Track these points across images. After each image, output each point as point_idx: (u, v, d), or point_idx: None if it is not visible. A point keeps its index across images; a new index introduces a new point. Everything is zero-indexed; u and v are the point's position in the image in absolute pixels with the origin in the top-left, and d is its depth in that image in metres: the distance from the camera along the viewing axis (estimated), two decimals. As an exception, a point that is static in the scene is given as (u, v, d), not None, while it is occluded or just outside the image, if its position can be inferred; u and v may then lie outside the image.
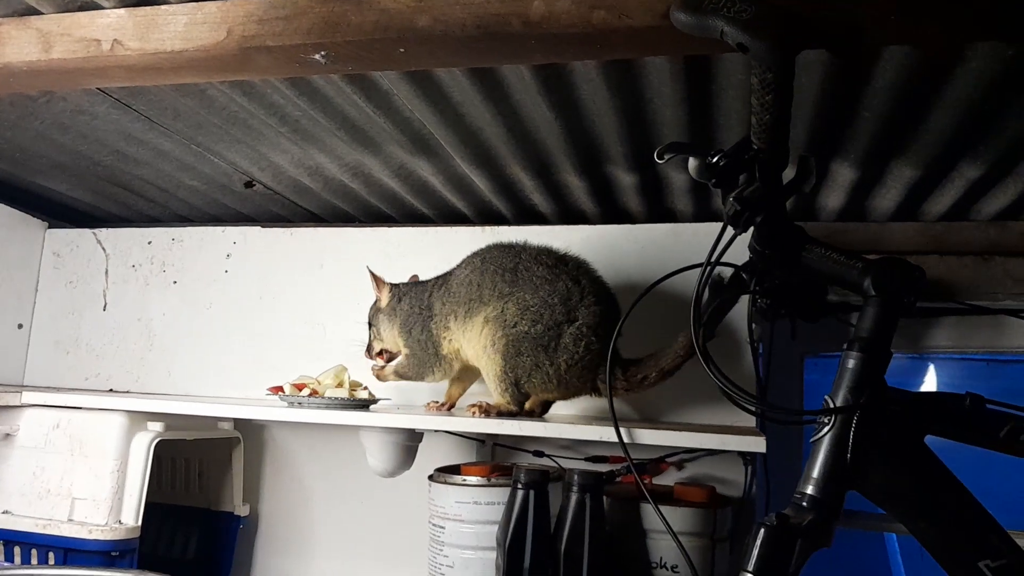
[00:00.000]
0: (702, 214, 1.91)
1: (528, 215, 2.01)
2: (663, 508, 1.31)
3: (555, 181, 1.78)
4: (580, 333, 1.43)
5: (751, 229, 1.06)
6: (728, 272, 1.17)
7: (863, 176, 1.61)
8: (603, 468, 1.60)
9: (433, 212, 2.05)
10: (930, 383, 2.35)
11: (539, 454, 1.70)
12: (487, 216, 2.04)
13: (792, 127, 1.43)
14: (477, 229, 1.92)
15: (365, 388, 1.59)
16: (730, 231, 1.05)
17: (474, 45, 1.11)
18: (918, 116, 1.34)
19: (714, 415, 1.60)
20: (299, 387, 1.54)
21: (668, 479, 1.63)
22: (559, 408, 1.58)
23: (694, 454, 1.57)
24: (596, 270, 1.57)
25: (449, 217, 2.07)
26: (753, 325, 1.48)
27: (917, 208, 1.80)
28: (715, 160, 0.97)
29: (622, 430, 1.25)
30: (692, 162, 0.97)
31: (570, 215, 1.99)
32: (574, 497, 1.30)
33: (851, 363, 1.03)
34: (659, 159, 0.96)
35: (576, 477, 1.32)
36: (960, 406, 1.02)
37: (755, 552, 0.94)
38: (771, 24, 0.80)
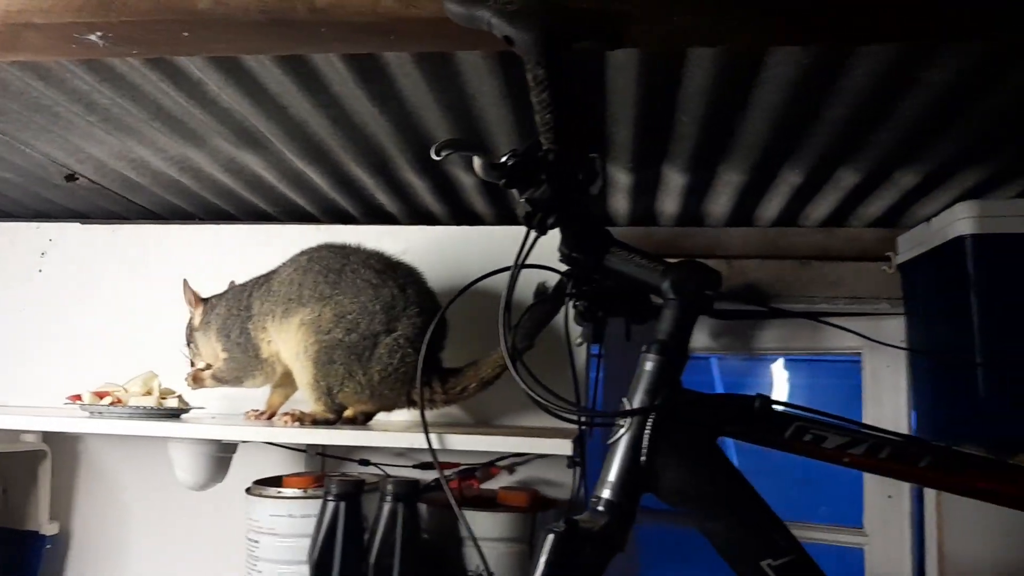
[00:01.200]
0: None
1: (376, 214, 1.95)
2: (482, 514, 1.29)
3: (396, 179, 1.72)
4: (396, 344, 1.37)
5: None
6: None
7: (693, 181, 1.64)
8: (432, 475, 1.55)
9: (275, 209, 1.96)
10: (764, 383, 2.44)
11: (364, 463, 1.64)
12: (334, 214, 1.96)
13: (617, 128, 1.44)
14: (321, 227, 1.85)
15: (177, 396, 1.48)
16: (534, 234, 1.02)
17: (262, 31, 1.04)
18: (733, 121, 1.36)
19: (548, 417, 1.58)
20: (101, 395, 1.42)
21: (504, 483, 1.61)
22: (391, 414, 1.53)
23: (524, 458, 1.55)
24: (426, 280, 1.51)
25: (294, 215, 1.98)
26: (580, 328, 1.47)
27: (751, 213, 1.84)
28: (504, 160, 0.94)
29: (433, 436, 1.21)
30: (477, 161, 0.93)
31: (418, 215, 1.95)
32: (386, 507, 1.25)
33: (648, 365, 1.02)
34: (436, 156, 0.92)
35: (389, 486, 1.27)
36: (750, 407, 1.03)
37: (542, 560, 0.91)
38: (536, 16, 0.78)
